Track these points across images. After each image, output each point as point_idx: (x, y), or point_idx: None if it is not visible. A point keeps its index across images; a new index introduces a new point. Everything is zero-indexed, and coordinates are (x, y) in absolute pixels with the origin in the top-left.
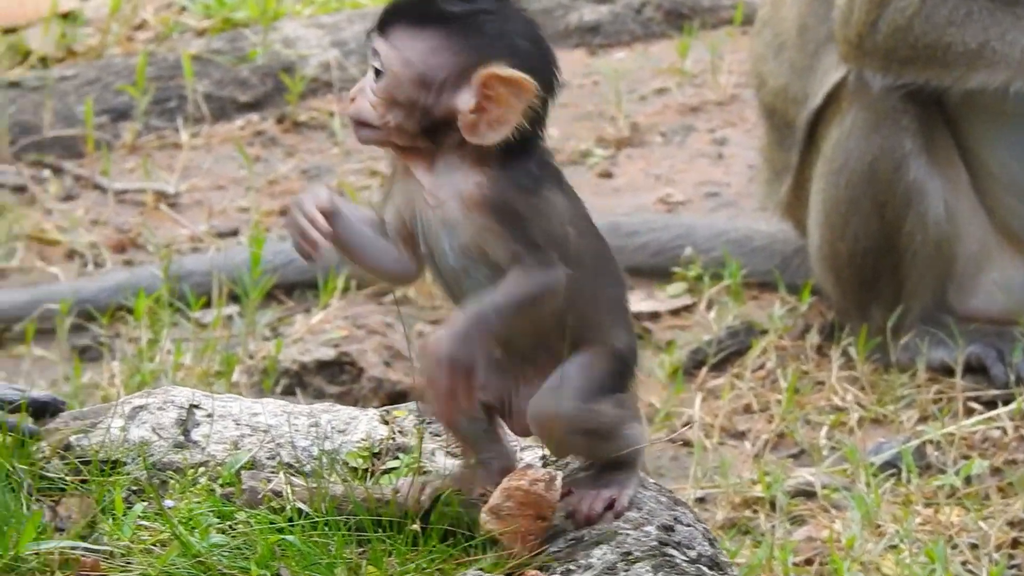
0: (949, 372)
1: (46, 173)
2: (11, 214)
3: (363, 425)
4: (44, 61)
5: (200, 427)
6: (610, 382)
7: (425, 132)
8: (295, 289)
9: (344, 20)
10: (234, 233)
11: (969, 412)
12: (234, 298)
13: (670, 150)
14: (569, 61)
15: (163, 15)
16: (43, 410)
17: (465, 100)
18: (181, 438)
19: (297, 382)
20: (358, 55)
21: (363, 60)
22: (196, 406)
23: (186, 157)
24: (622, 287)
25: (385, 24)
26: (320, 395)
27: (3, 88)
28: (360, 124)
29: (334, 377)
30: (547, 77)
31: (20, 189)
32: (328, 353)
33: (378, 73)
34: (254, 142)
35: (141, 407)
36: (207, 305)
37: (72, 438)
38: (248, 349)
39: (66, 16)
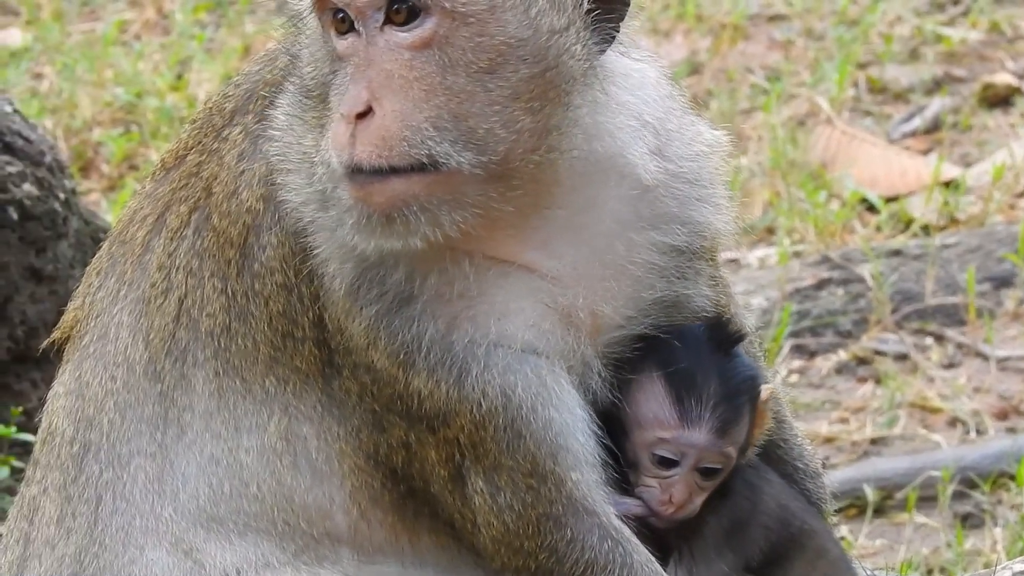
0: None
1: (928, 341)
2: (893, 382)
3: None
4: (926, 229)
5: None
6: None
7: None
8: None
9: None
10: None
11: None
12: None
13: None
14: None
15: None
16: None
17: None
18: None
19: None
20: None
21: None
22: None
23: None
24: None
25: (718, 428)
26: None
27: (886, 256)
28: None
29: None
30: None
31: (902, 357)
32: None
33: (708, 472)
34: None
35: (1022, 572)
36: None
37: None
38: None
39: (948, 184)
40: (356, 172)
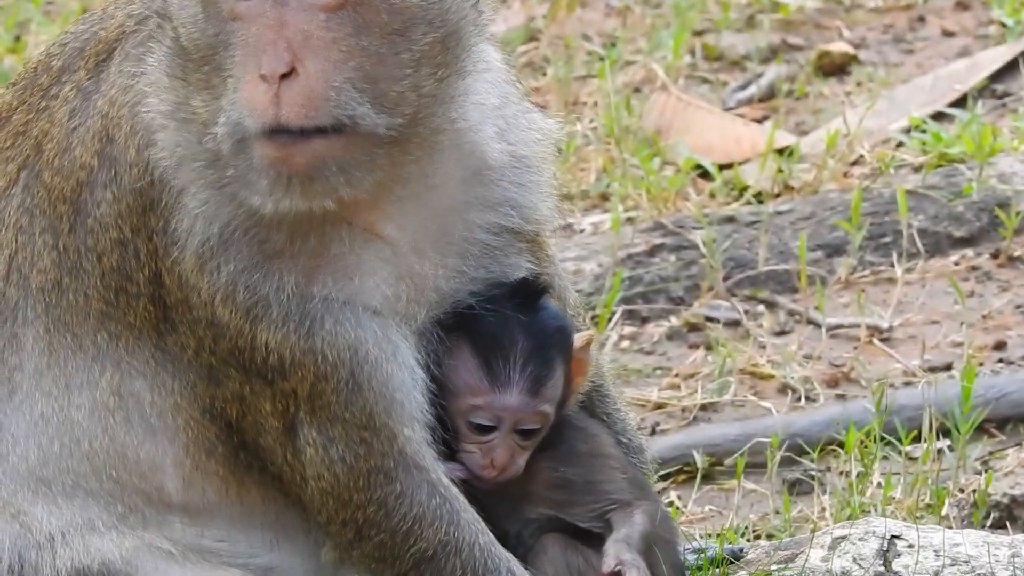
0: None
1: (760, 308)
2: (724, 348)
3: None
4: (760, 196)
5: (901, 558)
6: None
7: None
8: (1007, 423)
9: None
10: (947, 367)
11: None
12: (945, 432)
13: None
14: None
15: (880, 151)
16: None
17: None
18: (881, 568)
19: (1007, 515)
20: None
21: None
22: (897, 537)
23: (900, 292)
24: None
25: (529, 388)
26: None
27: (719, 223)
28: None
29: None
30: None
31: (734, 323)
32: None
33: (527, 433)
34: (969, 277)
35: (842, 538)
36: (917, 439)
37: (773, 567)
38: (959, 482)
39: (782, 152)
40: (278, 133)
